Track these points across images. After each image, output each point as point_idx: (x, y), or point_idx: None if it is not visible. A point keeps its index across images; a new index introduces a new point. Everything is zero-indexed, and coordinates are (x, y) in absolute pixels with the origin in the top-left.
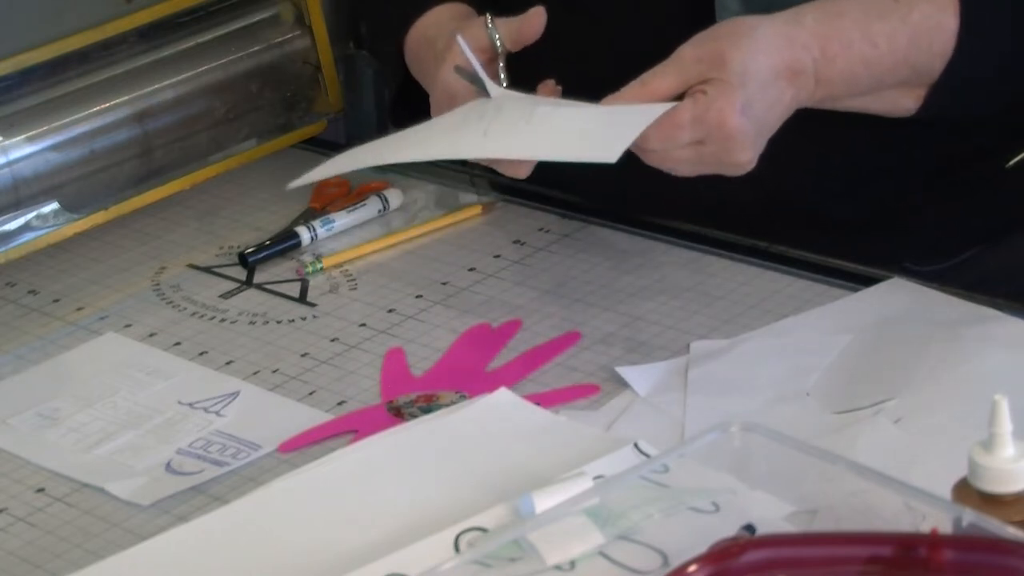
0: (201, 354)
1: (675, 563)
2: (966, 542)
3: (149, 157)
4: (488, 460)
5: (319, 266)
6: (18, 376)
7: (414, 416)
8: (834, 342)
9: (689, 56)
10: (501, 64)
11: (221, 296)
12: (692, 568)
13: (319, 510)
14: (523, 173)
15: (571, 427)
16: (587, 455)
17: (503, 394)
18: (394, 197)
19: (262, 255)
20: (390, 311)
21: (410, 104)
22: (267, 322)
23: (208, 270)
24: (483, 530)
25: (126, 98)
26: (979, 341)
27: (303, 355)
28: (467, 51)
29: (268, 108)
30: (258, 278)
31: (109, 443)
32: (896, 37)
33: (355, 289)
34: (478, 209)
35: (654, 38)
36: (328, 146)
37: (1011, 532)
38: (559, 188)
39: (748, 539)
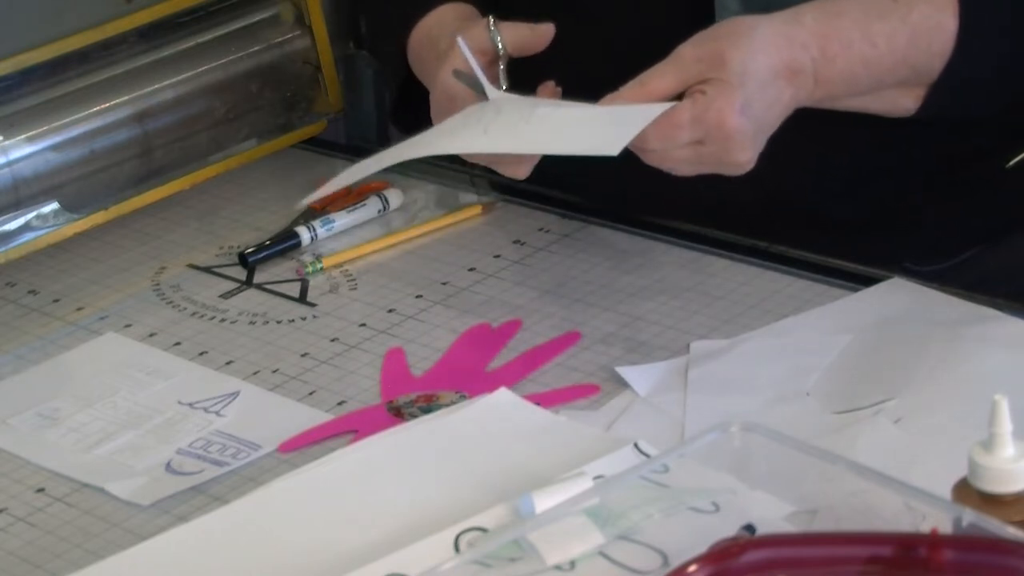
0: (201, 354)
1: (675, 563)
2: (966, 542)
3: (149, 157)
4: (488, 460)
5: (319, 266)
6: (18, 376)
7: (414, 416)
8: (834, 342)
9: (688, 56)
10: (502, 67)
11: (221, 296)
12: (692, 568)
13: (319, 510)
14: (522, 174)
15: (571, 427)
16: (587, 455)
17: (503, 394)
18: (394, 197)
19: (262, 255)
20: (390, 311)
21: (411, 105)
22: (267, 322)
23: (208, 270)
24: (483, 530)
25: (126, 98)
26: (979, 341)
27: (303, 355)
28: (467, 53)
29: (268, 108)
30: (258, 278)
31: (109, 443)
32: (895, 37)
33: (355, 289)
34: (478, 209)
35: (654, 38)
36: (328, 146)
37: (1011, 532)
38: (559, 188)
39: (748, 539)
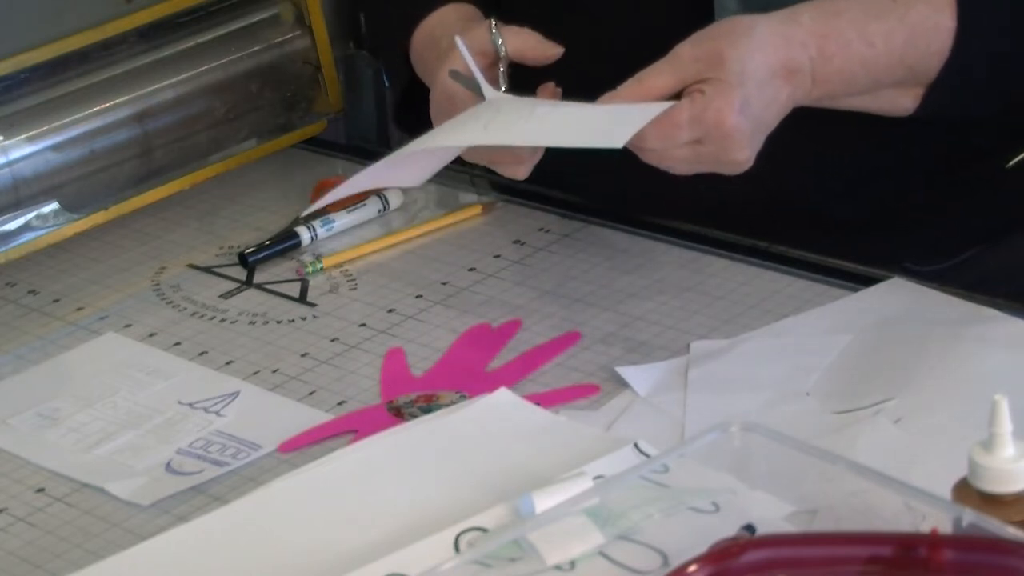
0: (201, 354)
1: (675, 563)
2: (966, 542)
3: (149, 157)
4: (488, 460)
5: (319, 266)
6: (18, 376)
7: (414, 416)
8: (834, 342)
9: (686, 55)
10: (502, 69)
11: (221, 296)
12: (692, 568)
13: (319, 510)
14: (522, 174)
15: (571, 427)
16: (587, 455)
17: (503, 394)
18: (394, 197)
19: (262, 255)
20: (390, 311)
21: (414, 106)
22: (267, 322)
23: (208, 270)
24: (483, 530)
25: (126, 98)
26: (979, 341)
27: (303, 355)
28: (465, 54)
29: (268, 108)
30: (258, 278)
31: (109, 443)
32: (893, 37)
33: (355, 289)
34: (478, 209)
35: (653, 38)
36: (328, 146)
37: (1011, 532)
38: (559, 188)
39: (748, 539)
